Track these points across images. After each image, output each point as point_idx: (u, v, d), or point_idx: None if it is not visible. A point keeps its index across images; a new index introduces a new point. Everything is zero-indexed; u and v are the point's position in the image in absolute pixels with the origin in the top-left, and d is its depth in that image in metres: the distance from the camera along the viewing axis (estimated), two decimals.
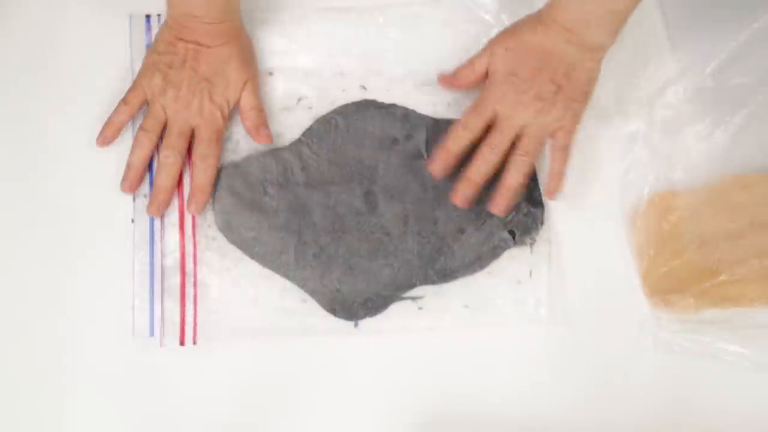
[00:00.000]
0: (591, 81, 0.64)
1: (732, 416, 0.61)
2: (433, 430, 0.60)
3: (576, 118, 0.64)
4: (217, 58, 0.63)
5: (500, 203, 0.62)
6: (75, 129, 0.65)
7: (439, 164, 0.63)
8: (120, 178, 0.63)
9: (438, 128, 0.66)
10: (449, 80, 0.67)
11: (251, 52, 0.66)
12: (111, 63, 0.67)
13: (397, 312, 0.63)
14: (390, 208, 0.64)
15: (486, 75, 0.65)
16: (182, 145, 0.63)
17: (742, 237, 0.63)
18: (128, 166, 0.63)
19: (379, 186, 0.64)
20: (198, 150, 0.63)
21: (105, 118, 0.64)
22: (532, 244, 0.64)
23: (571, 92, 0.63)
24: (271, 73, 0.68)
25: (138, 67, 0.65)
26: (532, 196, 0.65)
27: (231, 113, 0.65)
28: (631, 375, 0.62)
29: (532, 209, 0.64)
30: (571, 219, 0.65)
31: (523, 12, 0.66)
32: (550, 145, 0.64)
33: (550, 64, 0.62)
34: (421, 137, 0.66)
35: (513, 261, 0.64)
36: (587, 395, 0.61)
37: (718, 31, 0.67)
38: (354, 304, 0.62)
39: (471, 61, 0.65)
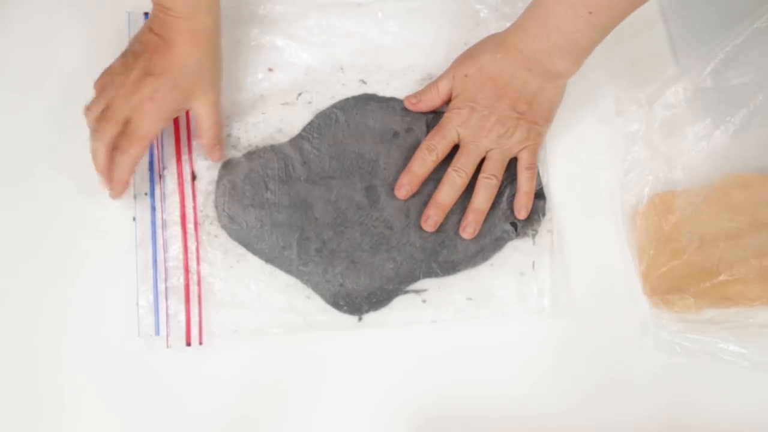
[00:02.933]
0: (553, 105, 0.64)
1: (732, 416, 0.61)
2: (436, 423, 0.60)
3: (539, 137, 0.65)
4: (174, 57, 0.60)
5: (469, 226, 0.63)
6: (74, 127, 0.65)
7: (405, 188, 0.63)
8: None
9: (438, 121, 0.65)
10: (414, 103, 0.66)
11: (216, 62, 0.62)
12: (110, 60, 0.67)
13: (400, 305, 0.63)
14: (391, 201, 0.64)
15: (450, 96, 0.65)
16: (110, 132, 0.59)
17: (742, 237, 0.63)
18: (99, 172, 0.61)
19: (381, 180, 0.64)
20: (121, 143, 0.60)
21: None
22: (534, 236, 0.64)
23: (533, 117, 0.63)
24: (271, 69, 0.68)
25: None
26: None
27: (176, 116, 0.63)
28: (631, 375, 0.62)
29: (534, 200, 0.64)
30: (572, 219, 0.65)
31: (521, 4, 0.66)
32: (517, 165, 0.64)
33: (510, 92, 0.62)
34: (421, 130, 0.66)
35: (515, 253, 0.64)
36: (587, 394, 0.61)
37: (718, 31, 0.67)
38: (357, 299, 0.62)
39: (435, 84, 0.65)
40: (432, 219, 0.63)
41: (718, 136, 0.65)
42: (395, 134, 0.66)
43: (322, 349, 0.61)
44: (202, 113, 0.62)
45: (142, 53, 0.60)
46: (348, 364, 0.61)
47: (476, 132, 0.63)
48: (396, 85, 0.68)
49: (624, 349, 0.62)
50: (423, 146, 0.63)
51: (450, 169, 0.63)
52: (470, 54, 0.64)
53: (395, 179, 0.64)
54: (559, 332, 0.62)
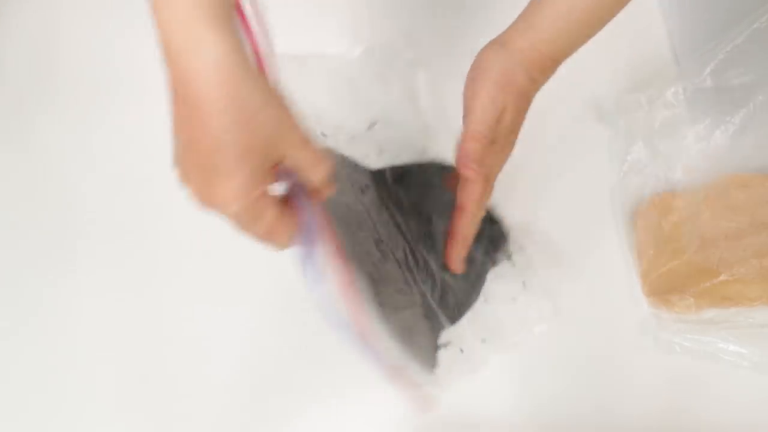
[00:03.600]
0: None
1: (732, 416, 0.61)
2: (436, 423, 0.60)
3: None
4: (205, 131, 0.39)
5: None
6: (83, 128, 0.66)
7: (462, 261, 0.57)
8: None
9: (378, 178, 0.61)
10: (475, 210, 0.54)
11: (258, 107, 0.39)
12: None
13: (447, 362, 0.60)
14: (392, 258, 0.57)
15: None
16: None
17: (742, 237, 0.63)
18: None
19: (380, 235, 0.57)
20: None
21: (108, 116, 0.64)
22: (509, 258, 0.63)
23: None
24: None
25: None
26: (485, 216, 0.58)
27: None
28: (631, 375, 0.62)
29: (490, 226, 0.62)
30: (572, 219, 0.65)
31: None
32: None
33: (528, 100, 0.54)
34: (372, 188, 0.60)
35: (502, 280, 0.62)
36: (587, 395, 0.61)
37: (718, 32, 0.67)
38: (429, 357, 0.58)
39: (475, 130, 0.52)
40: (461, 257, 0.57)
41: (718, 136, 0.65)
42: (365, 187, 0.59)
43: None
44: (291, 165, 0.43)
45: (175, 133, 0.41)
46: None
47: (495, 166, 0.55)
48: (329, 144, 0.63)
49: (624, 349, 0.62)
50: (468, 209, 0.54)
51: (473, 204, 0.54)
52: (519, 104, 0.53)
53: (386, 234, 0.57)
54: (558, 332, 0.62)
